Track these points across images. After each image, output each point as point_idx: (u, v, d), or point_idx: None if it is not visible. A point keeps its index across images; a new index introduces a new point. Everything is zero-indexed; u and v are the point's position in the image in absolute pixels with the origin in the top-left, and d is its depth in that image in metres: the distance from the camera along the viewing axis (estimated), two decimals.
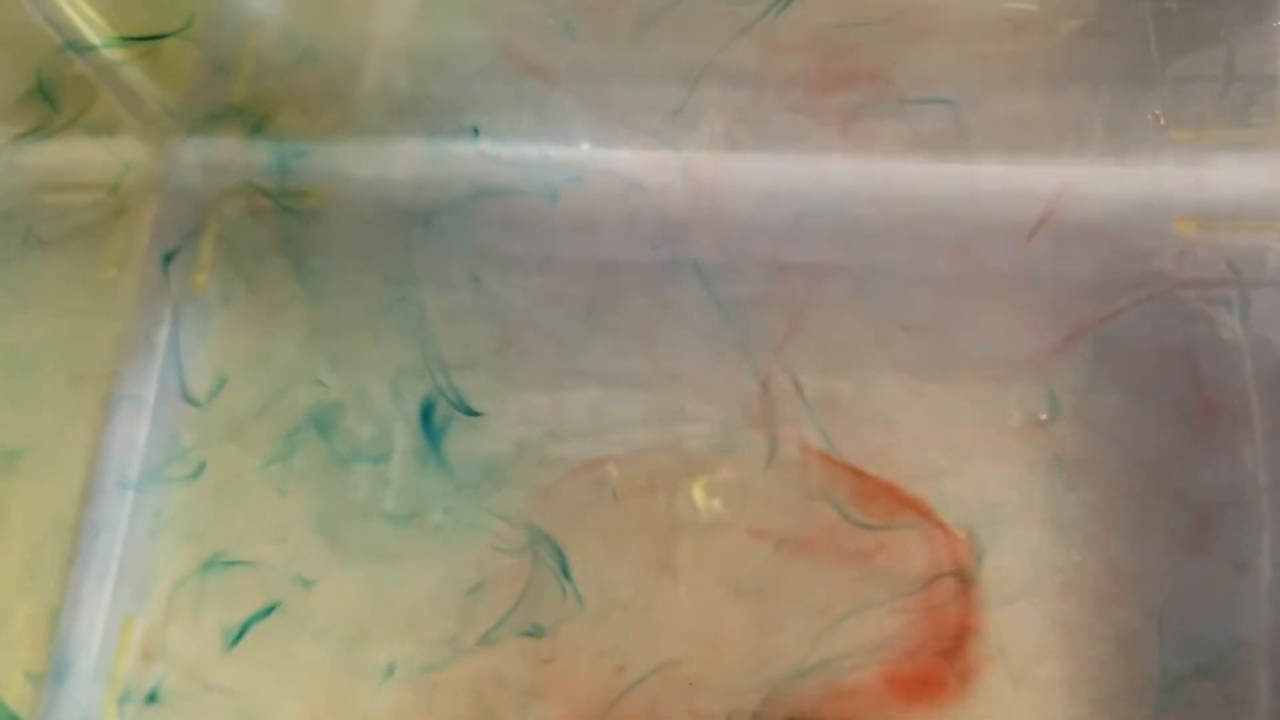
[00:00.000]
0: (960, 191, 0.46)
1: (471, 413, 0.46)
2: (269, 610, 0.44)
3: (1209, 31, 0.45)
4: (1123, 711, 0.41)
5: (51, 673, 0.43)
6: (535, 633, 0.43)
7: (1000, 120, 0.46)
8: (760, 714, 0.42)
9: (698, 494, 0.45)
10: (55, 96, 0.48)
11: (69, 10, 0.47)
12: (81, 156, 0.49)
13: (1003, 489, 0.44)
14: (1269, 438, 0.43)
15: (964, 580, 0.43)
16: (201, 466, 0.46)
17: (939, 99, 0.45)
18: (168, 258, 0.48)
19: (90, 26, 0.47)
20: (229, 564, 0.45)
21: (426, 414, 0.47)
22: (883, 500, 0.44)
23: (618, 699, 0.42)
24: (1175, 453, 0.43)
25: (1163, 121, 0.44)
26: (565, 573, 0.44)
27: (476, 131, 0.47)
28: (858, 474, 0.44)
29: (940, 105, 0.46)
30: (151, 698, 0.44)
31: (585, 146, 0.48)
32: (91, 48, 0.47)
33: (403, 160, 0.48)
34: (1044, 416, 0.44)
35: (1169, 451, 0.43)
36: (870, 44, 0.45)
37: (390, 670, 0.43)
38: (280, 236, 0.49)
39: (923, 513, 0.43)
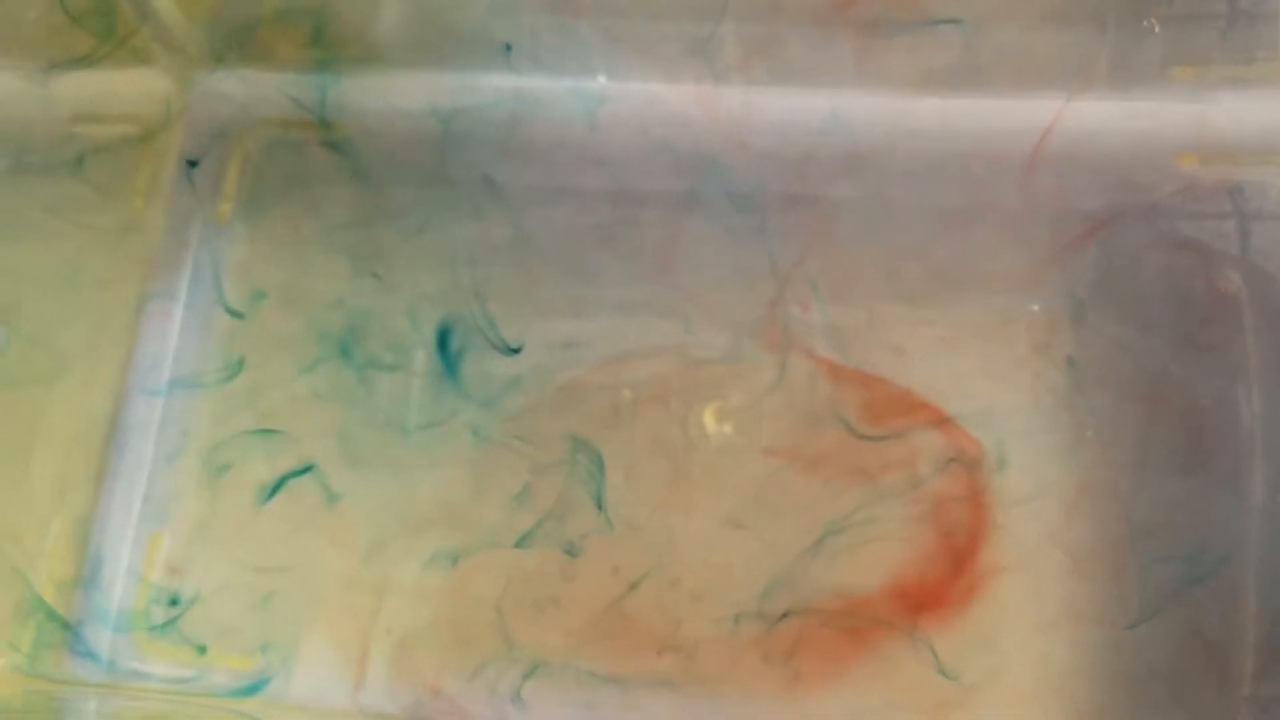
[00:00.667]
0: (968, 125, 0.47)
1: (510, 350, 0.47)
2: (301, 471, 0.46)
3: None
4: (1117, 622, 0.42)
5: (83, 580, 0.45)
6: (570, 550, 0.45)
7: (1007, 52, 0.47)
8: (764, 611, 0.43)
9: (709, 417, 0.47)
10: (85, 27, 0.49)
11: None
12: (111, 87, 0.50)
13: (1006, 413, 0.45)
14: (1263, 366, 0.44)
15: (974, 482, 0.44)
16: (236, 369, 0.48)
17: (950, 19, 0.46)
18: (193, 185, 0.49)
19: None
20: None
21: (443, 338, 0.48)
22: (896, 410, 0.45)
23: (630, 608, 0.44)
24: (1175, 380, 0.45)
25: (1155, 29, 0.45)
26: (599, 501, 0.45)
27: (509, 48, 0.48)
28: (868, 384, 0.45)
29: (951, 26, 0.47)
30: (174, 602, 0.45)
31: (602, 79, 0.49)
32: None
33: (427, 91, 0.50)
34: (1048, 345, 0.46)
35: (1169, 379, 0.45)
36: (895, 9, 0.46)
37: (428, 558, 0.45)
38: (306, 167, 0.50)
39: (937, 419, 0.45)
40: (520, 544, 0.45)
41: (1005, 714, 0.42)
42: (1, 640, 0.43)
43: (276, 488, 0.46)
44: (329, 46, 0.50)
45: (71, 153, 0.48)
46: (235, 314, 0.48)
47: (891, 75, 0.48)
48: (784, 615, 0.43)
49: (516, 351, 0.47)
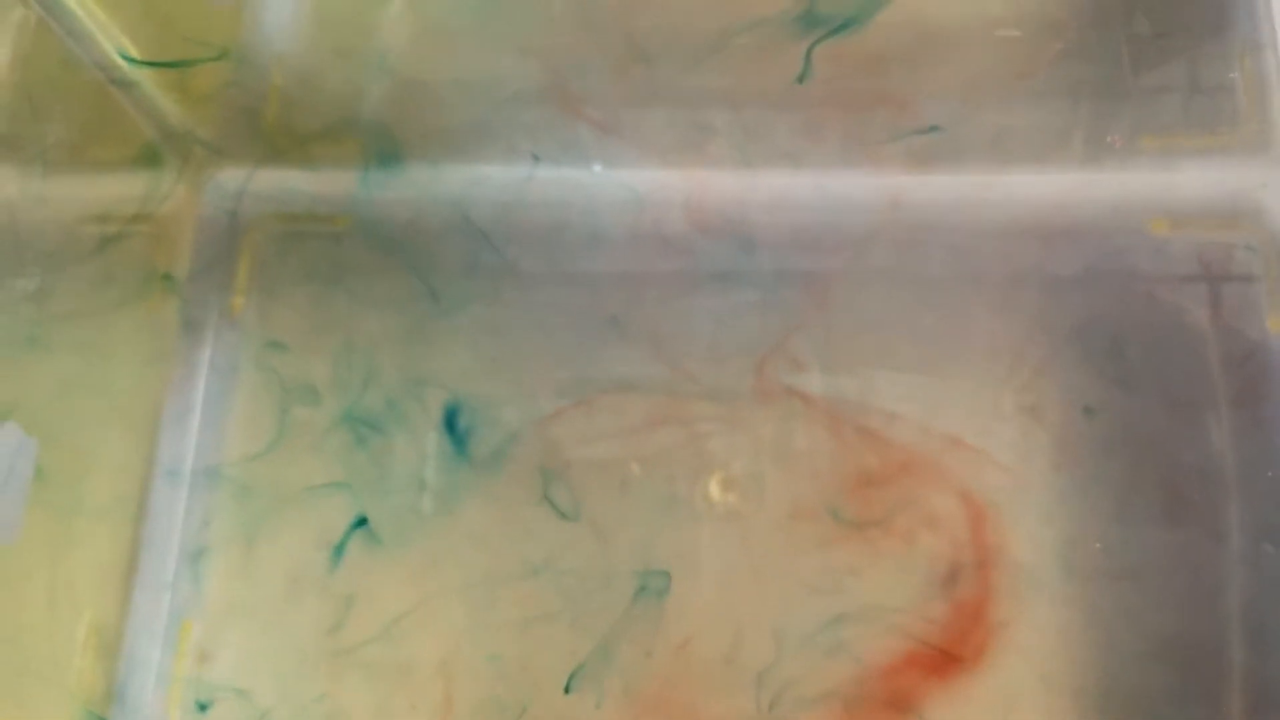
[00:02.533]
0: (951, 199, 0.50)
1: (511, 433, 0.49)
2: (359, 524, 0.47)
3: (1174, 48, 0.48)
4: (1111, 666, 0.44)
5: (118, 679, 0.46)
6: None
7: (989, 134, 0.49)
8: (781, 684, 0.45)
9: (714, 488, 0.49)
10: (96, 132, 0.50)
11: (105, 45, 0.49)
12: (119, 189, 0.51)
13: (997, 473, 0.47)
14: (1236, 421, 0.47)
15: (978, 541, 0.46)
16: (254, 456, 0.49)
17: (932, 128, 0.48)
18: (205, 283, 0.51)
19: (126, 60, 0.49)
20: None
21: (451, 419, 0.50)
22: (895, 472, 0.47)
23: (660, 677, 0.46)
24: (1154, 436, 0.47)
25: (1119, 145, 0.48)
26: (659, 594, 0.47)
27: (537, 159, 0.50)
28: (867, 447, 0.47)
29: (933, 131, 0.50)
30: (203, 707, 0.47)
31: (598, 168, 0.51)
32: (128, 81, 0.49)
33: (427, 184, 0.51)
34: (1033, 404, 0.48)
35: (1147, 435, 0.47)
36: (872, 72, 0.48)
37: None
38: (312, 259, 0.52)
39: (935, 479, 0.47)
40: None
41: None
42: None
43: (342, 546, 0.48)
44: (328, 143, 0.52)
45: (85, 253, 0.50)
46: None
47: (876, 154, 0.50)
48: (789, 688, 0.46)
49: (518, 430, 0.49)
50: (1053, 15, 0.47)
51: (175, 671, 0.47)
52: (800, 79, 0.49)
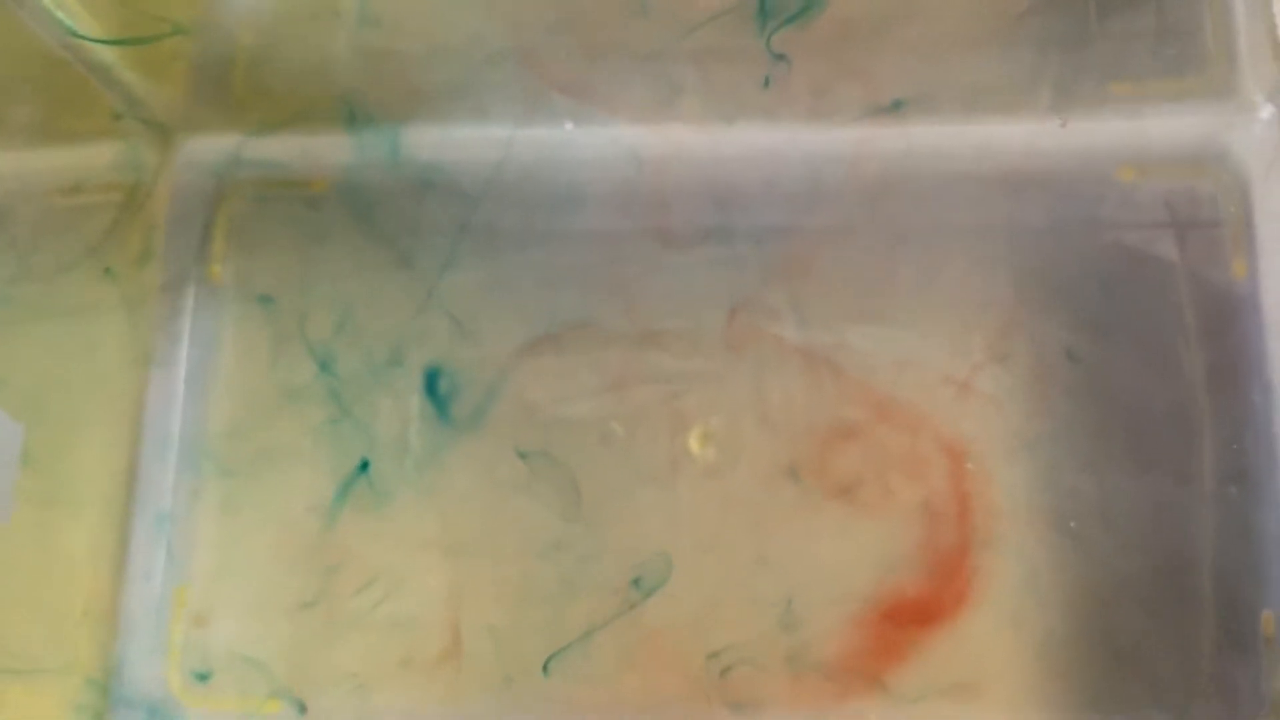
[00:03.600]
0: (922, 150, 0.50)
1: (490, 390, 0.50)
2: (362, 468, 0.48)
3: None
4: (1083, 609, 0.46)
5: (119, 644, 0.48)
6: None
7: (957, 87, 0.49)
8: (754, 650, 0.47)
9: (693, 443, 0.50)
10: (62, 106, 0.50)
11: (62, 16, 0.49)
12: (89, 162, 0.51)
13: (971, 419, 0.48)
14: (1203, 365, 0.47)
15: (957, 487, 0.47)
16: (230, 445, 0.50)
17: (895, 103, 0.49)
18: (183, 252, 0.51)
19: (87, 31, 0.49)
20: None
21: (431, 380, 0.50)
22: (871, 431, 0.48)
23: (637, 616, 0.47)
24: (1122, 381, 0.48)
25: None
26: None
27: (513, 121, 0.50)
28: (844, 402, 0.48)
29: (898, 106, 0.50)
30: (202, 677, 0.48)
31: (569, 126, 0.51)
32: (91, 57, 0.49)
33: (402, 145, 0.52)
34: (1006, 352, 0.49)
35: (1117, 380, 0.48)
36: (837, 48, 0.48)
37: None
38: (287, 224, 0.52)
39: (914, 425, 0.48)
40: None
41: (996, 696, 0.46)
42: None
43: (344, 492, 0.49)
44: (299, 107, 0.52)
45: (59, 227, 0.50)
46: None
47: (847, 108, 0.50)
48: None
49: (497, 386, 0.50)
50: None
51: (172, 639, 0.48)
52: (765, 83, 0.49)
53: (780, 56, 0.49)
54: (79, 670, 0.47)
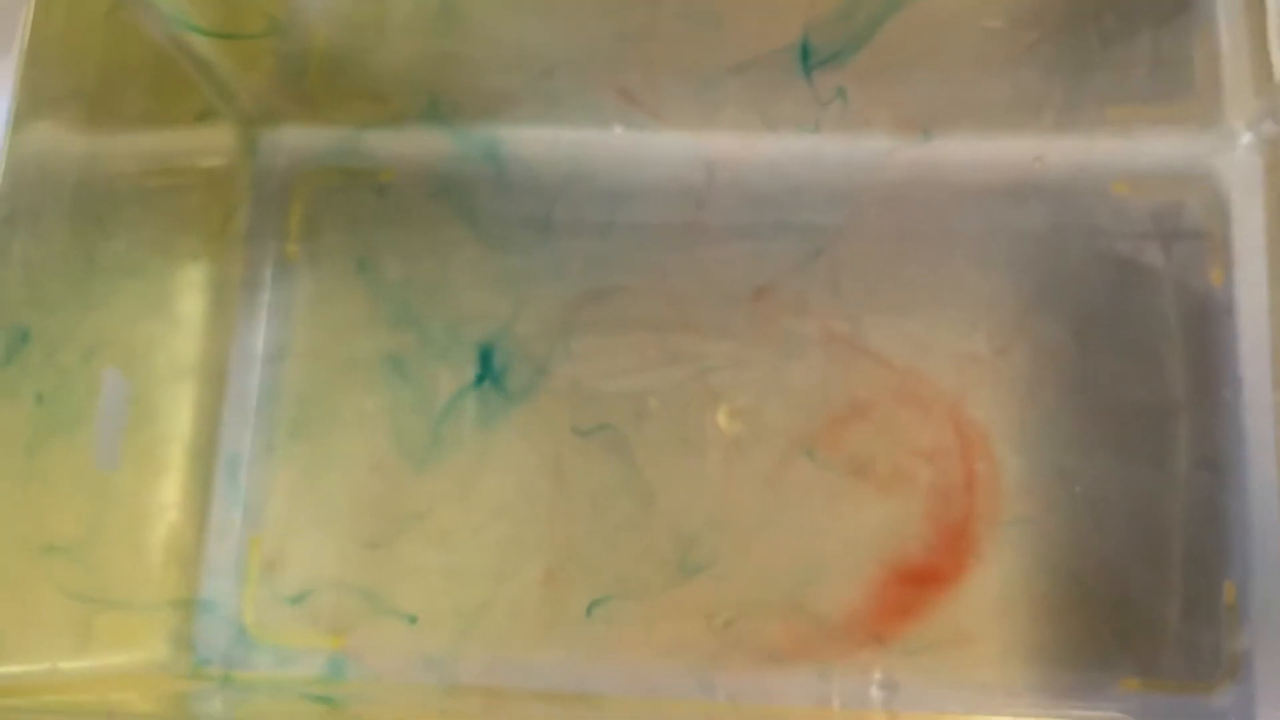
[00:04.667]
0: (934, 161, 0.55)
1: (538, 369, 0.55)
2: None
3: (1139, 27, 0.54)
4: (1066, 579, 0.52)
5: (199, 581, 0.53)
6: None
7: (970, 105, 0.55)
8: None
9: (721, 418, 0.55)
10: (157, 93, 0.55)
11: (172, 11, 0.53)
12: (179, 146, 0.56)
13: (973, 408, 0.54)
14: (1182, 362, 0.53)
15: (967, 468, 0.53)
16: (303, 411, 0.56)
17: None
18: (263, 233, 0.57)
19: (186, 26, 0.54)
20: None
21: (486, 357, 0.56)
22: (884, 412, 0.54)
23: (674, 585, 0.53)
24: (1109, 376, 0.53)
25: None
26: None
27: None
28: (859, 385, 0.54)
29: (922, 78, 0.55)
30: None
31: (619, 130, 0.57)
32: (189, 47, 0.54)
33: (465, 141, 0.57)
34: (1006, 347, 0.54)
35: (1105, 375, 0.53)
36: (878, 64, 0.54)
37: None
38: (358, 210, 0.57)
39: (923, 415, 0.53)
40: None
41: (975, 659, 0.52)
42: (126, 645, 0.51)
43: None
44: (373, 102, 0.57)
45: (153, 207, 0.55)
46: None
47: (867, 120, 0.55)
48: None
49: (546, 364, 0.55)
50: (1032, 6, 0.52)
51: (249, 580, 0.54)
52: (815, 128, 0.55)
53: (840, 92, 0.55)
54: (166, 606, 0.52)
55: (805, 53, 0.54)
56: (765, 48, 0.53)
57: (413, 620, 0.53)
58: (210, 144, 0.56)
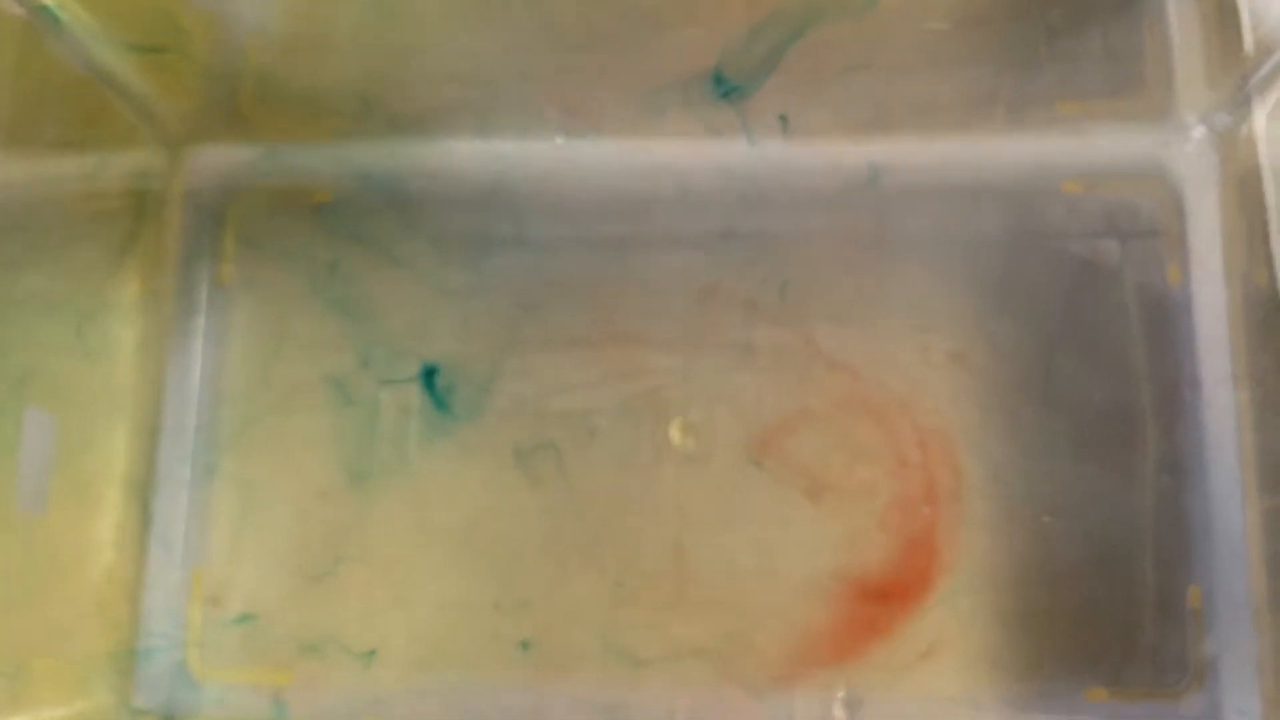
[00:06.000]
0: (882, 163, 0.54)
1: (482, 388, 0.53)
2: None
3: (1088, 18, 0.53)
4: (1033, 584, 0.50)
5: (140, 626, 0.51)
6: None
7: (918, 106, 0.53)
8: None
9: (674, 432, 0.54)
10: (79, 116, 0.53)
11: (83, 37, 0.51)
12: (107, 169, 0.54)
13: (930, 416, 0.53)
14: (1141, 363, 0.52)
15: (926, 492, 0.52)
16: (243, 436, 0.54)
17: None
18: (196, 254, 0.55)
19: (96, 43, 0.52)
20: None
21: (429, 377, 0.54)
22: (838, 422, 0.53)
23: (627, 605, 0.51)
24: (1068, 378, 0.52)
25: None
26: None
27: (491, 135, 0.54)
28: (811, 395, 0.53)
29: (864, 78, 0.54)
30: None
31: (560, 140, 0.55)
32: (108, 69, 0.52)
33: (401, 157, 0.55)
34: (963, 352, 0.53)
35: (1063, 377, 0.52)
36: (813, 69, 0.52)
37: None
38: (293, 230, 0.55)
39: (878, 413, 0.52)
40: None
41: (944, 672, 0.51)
42: (64, 696, 0.49)
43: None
44: (305, 119, 0.55)
45: (80, 232, 0.53)
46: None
47: (811, 123, 0.54)
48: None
49: (491, 383, 0.54)
50: (978, 5, 0.51)
51: (190, 617, 0.52)
52: (750, 142, 0.54)
53: (782, 120, 0.54)
54: (104, 648, 0.50)
55: (719, 80, 0.53)
56: (687, 71, 0.52)
57: (367, 656, 0.52)
58: (135, 166, 0.54)
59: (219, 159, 0.56)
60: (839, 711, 0.50)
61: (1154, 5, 0.52)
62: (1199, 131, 0.52)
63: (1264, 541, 0.49)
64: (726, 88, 0.53)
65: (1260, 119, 0.49)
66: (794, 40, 0.51)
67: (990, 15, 0.51)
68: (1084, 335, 0.53)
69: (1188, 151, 0.53)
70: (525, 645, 0.51)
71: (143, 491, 0.52)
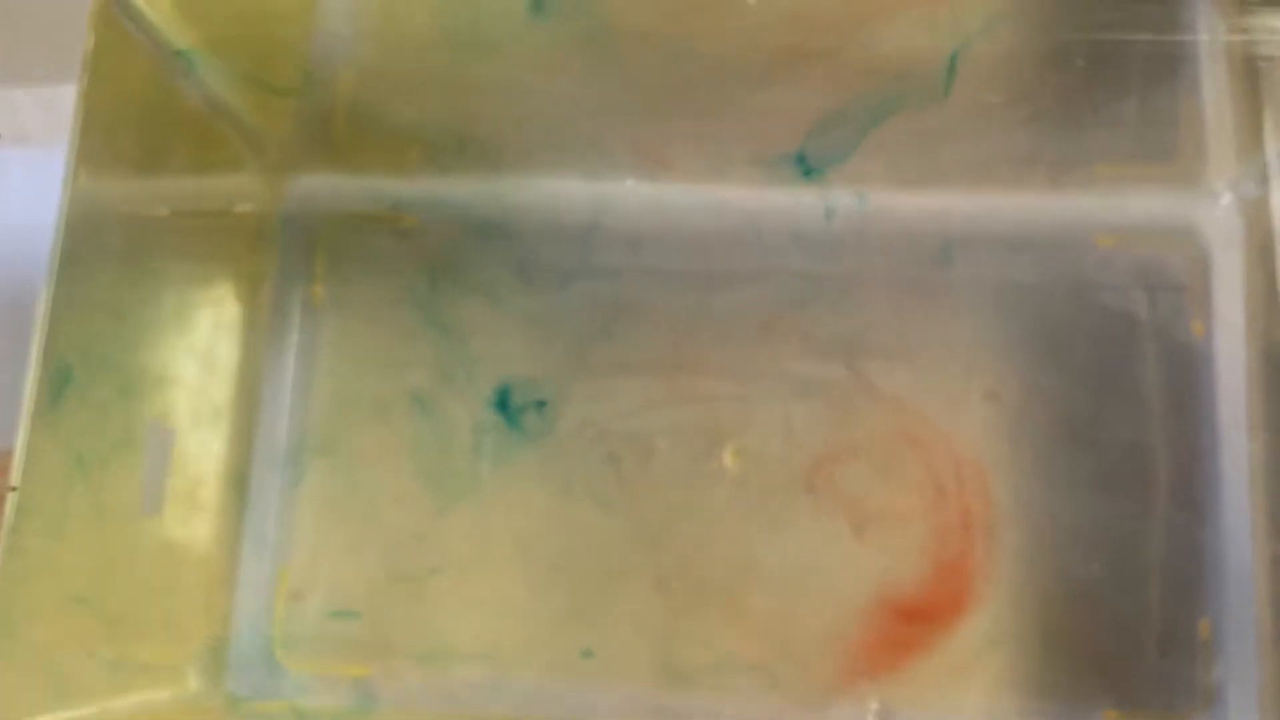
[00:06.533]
0: (934, 213, 0.58)
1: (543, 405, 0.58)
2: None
3: (1129, 90, 0.57)
4: (1051, 608, 0.55)
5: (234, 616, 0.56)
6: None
7: (970, 163, 0.58)
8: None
9: (728, 457, 0.58)
10: (193, 145, 0.57)
11: (206, 71, 0.56)
12: (215, 192, 0.59)
13: (966, 448, 0.57)
14: (1163, 408, 0.56)
15: (962, 505, 0.56)
16: (329, 446, 0.58)
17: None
18: (291, 275, 0.59)
19: (221, 82, 0.56)
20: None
21: (503, 397, 0.59)
22: (883, 451, 0.57)
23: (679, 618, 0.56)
24: (1095, 419, 0.56)
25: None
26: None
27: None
28: (856, 426, 0.57)
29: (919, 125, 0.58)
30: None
31: (630, 183, 0.59)
32: (222, 103, 0.57)
33: (482, 191, 0.60)
34: (998, 391, 0.57)
35: (1090, 418, 0.56)
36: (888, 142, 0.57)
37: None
38: (380, 254, 0.60)
39: (921, 456, 0.56)
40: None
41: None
42: (165, 682, 0.54)
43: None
44: (392, 151, 0.60)
45: (189, 249, 0.57)
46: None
47: (867, 175, 0.58)
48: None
49: (557, 404, 0.58)
50: (1026, 86, 0.55)
51: (276, 611, 0.57)
52: (827, 217, 0.58)
53: (859, 197, 0.59)
54: (202, 637, 0.55)
55: (800, 160, 0.57)
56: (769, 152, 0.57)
57: (441, 656, 0.56)
58: (241, 192, 0.58)
59: (314, 187, 0.60)
60: None
61: (1190, 80, 0.56)
62: (1227, 198, 0.57)
63: (1270, 582, 0.53)
64: (807, 168, 0.58)
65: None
66: (874, 126, 0.55)
67: (1041, 92, 0.55)
68: (1111, 380, 0.57)
69: (1216, 215, 0.57)
70: (586, 654, 0.56)
71: (240, 494, 0.57)
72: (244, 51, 0.55)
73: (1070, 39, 0.53)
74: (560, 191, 0.60)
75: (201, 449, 0.55)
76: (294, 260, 0.60)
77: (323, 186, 0.60)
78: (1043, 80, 0.55)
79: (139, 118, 0.50)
